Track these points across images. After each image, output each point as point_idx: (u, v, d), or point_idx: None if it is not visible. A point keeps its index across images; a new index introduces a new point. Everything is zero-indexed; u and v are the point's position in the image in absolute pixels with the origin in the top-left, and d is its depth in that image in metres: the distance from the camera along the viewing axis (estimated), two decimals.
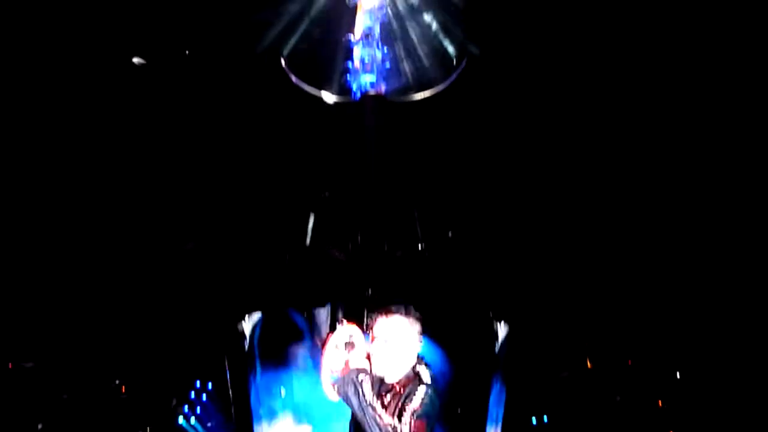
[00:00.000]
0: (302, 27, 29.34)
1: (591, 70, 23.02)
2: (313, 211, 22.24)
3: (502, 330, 19.56)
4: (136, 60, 23.04)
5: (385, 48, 27.86)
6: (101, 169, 21.24)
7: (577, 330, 20.08)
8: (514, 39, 25.49)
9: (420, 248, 22.35)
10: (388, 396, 5.17)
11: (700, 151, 22.09)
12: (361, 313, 19.45)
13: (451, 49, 28.26)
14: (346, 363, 5.78)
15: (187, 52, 22.58)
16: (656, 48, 22.85)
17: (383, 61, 27.38)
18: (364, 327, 6.26)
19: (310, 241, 22.21)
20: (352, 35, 27.77)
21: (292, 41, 28.30)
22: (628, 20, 23.25)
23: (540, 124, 23.13)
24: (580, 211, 21.71)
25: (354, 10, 28.78)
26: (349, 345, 5.89)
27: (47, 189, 20.57)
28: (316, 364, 7.24)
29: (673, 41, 23.06)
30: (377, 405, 4.99)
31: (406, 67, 28.36)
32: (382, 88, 26.88)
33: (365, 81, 26.61)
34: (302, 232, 22.20)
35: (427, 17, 29.64)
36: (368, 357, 5.82)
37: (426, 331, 5.99)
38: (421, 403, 4.85)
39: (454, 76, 24.25)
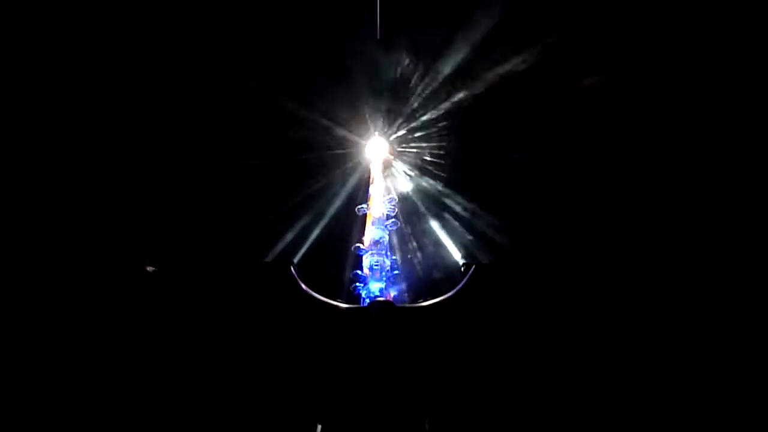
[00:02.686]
0: (312, 236, 30.45)
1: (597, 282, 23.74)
2: (320, 423, 21.57)
3: None
4: (149, 268, 23.72)
5: (394, 255, 28.65)
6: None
7: None
8: (522, 248, 26.53)
9: None
10: None
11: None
12: None
13: (459, 257, 29.16)
14: None
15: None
16: None
17: (392, 268, 28.04)
18: None
19: None
20: (361, 244, 28.72)
21: (302, 250, 29.23)
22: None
23: (549, 332, 23.11)
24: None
25: (363, 219, 30.04)
26: None
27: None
28: None
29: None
30: None
31: (414, 274, 29.04)
32: (391, 294, 27.26)
33: (374, 288, 27.05)
34: None
35: (434, 226, 30.85)
36: None
37: None
38: None
39: (463, 282, 24.59)
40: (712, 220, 24.39)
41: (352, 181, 33.43)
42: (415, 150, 34.63)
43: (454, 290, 24.74)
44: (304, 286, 24.52)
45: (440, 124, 34.52)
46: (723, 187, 24.68)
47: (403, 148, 34.73)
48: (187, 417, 21.00)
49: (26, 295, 22.14)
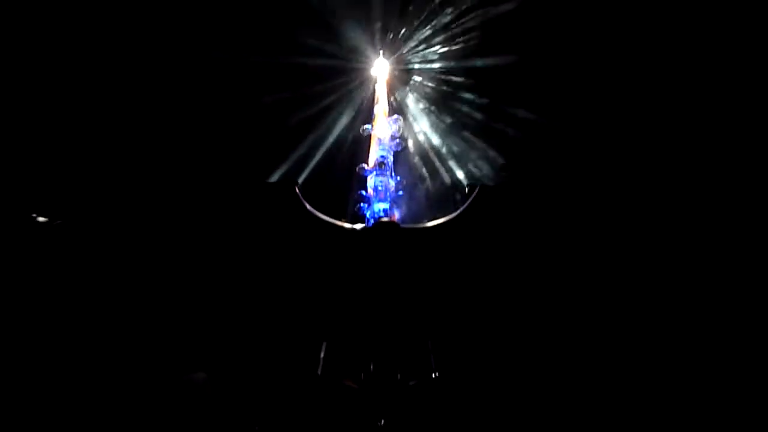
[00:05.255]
0: (317, 157, 30.28)
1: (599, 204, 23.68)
2: (325, 340, 21.95)
3: None
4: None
5: (398, 176, 28.52)
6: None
7: None
8: (526, 168, 26.38)
9: (434, 377, 21.81)
10: None
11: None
12: None
13: (463, 178, 29.06)
14: None
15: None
16: None
17: (396, 189, 27.97)
18: None
19: (323, 370, 21.75)
20: (365, 164, 28.55)
21: (307, 170, 29.11)
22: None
23: (551, 252, 23.21)
24: (588, 338, 21.53)
25: (368, 139, 29.75)
26: None
27: None
28: None
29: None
30: None
31: (419, 195, 28.99)
32: (395, 215, 27.30)
33: (378, 208, 27.05)
34: (315, 361, 21.79)
35: (439, 147, 30.55)
36: None
37: None
38: None
39: (467, 203, 24.60)
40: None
41: (356, 101, 32.95)
42: (420, 69, 34.01)
43: (458, 211, 24.78)
44: (308, 207, 24.57)
45: (446, 43, 33.73)
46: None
47: (408, 67, 34.07)
48: (191, 338, 21.38)
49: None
